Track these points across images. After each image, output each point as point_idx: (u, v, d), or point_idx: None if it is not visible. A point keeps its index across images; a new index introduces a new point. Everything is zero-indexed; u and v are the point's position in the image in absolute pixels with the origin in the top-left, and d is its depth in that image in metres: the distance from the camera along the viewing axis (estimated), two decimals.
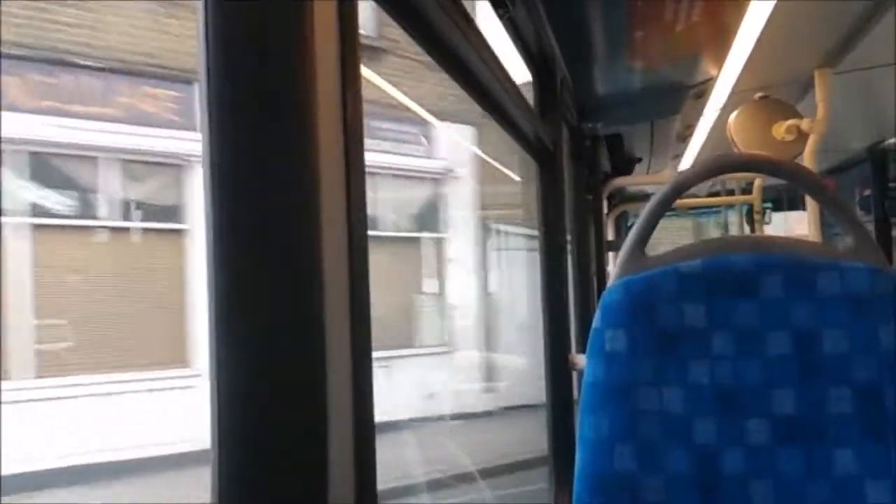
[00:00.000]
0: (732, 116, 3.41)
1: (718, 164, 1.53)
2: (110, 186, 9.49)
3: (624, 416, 1.32)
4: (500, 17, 2.12)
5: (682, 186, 1.45)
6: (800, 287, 1.32)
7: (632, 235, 1.44)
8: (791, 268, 1.33)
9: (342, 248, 0.66)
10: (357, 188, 0.68)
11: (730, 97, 3.53)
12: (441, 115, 11.84)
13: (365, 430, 0.69)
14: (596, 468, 1.32)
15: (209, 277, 0.64)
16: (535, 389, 3.00)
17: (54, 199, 9.05)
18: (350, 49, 0.67)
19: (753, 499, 1.28)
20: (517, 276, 13.35)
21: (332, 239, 0.65)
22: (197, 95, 0.64)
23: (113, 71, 9.30)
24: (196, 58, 0.63)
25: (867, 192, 5.80)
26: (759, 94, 3.39)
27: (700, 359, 1.32)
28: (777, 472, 1.29)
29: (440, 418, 11.12)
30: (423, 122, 12.25)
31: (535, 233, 2.72)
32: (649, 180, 5.87)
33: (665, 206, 1.45)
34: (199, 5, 0.63)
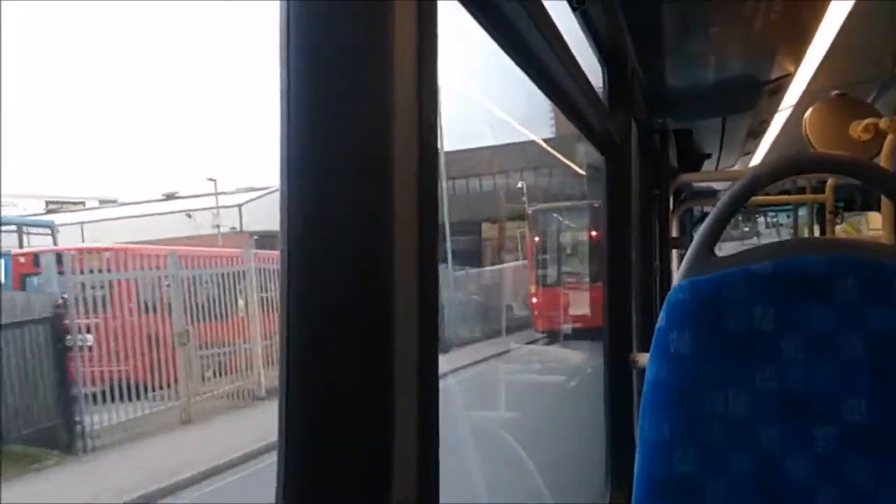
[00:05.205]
0: (808, 114, 3.32)
1: (796, 162, 1.49)
2: None
3: (687, 418, 1.30)
4: (574, 9, 2.09)
5: (757, 184, 1.41)
6: (875, 290, 1.28)
7: (700, 234, 1.41)
8: (866, 270, 1.29)
9: (412, 251, 0.65)
10: (429, 194, 0.67)
11: (805, 94, 3.45)
12: None
13: (429, 433, 0.69)
14: (656, 470, 1.30)
15: (281, 279, 0.64)
16: None
17: None
18: (428, 48, 0.67)
19: None
20: None
21: (404, 243, 0.64)
22: None
23: None
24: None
25: None
26: (835, 92, 3.31)
27: (769, 363, 1.29)
28: (844, 480, 1.25)
29: None
30: None
31: None
32: (719, 177, 5.77)
33: (737, 205, 1.41)
34: (280, 6, 0.63)
